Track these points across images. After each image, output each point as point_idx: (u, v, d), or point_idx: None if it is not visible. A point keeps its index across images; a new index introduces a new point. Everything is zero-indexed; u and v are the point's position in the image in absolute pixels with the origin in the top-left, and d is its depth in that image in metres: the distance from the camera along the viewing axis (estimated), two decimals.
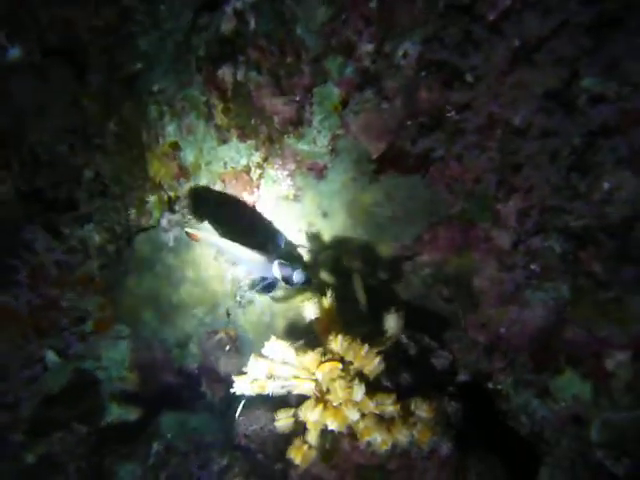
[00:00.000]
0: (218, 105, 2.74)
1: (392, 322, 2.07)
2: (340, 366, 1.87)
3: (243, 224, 2.72)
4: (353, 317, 2.18)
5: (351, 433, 1.90)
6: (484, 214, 2.31)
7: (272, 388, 1.99)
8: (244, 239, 2.34)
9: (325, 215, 2.61)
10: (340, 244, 2.57)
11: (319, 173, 2.60)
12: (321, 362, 1.87)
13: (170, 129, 2.98)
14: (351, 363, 1.90)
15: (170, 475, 2.37)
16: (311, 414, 1.82)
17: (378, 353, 1.89)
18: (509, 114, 2.15)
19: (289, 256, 2.38)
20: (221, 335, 2.95)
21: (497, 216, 2.30)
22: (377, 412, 1.81)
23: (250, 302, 2.86)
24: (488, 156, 2.24)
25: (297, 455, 1.87)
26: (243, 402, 2.23)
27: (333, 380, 1.84)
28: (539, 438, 2.44)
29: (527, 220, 2.24)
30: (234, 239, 2.32)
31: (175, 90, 2.96)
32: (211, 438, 2.41)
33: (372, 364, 1.87)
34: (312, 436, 1.88)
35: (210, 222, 2.83)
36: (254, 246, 2.30)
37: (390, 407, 1.80)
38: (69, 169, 3.25)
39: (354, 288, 2.31)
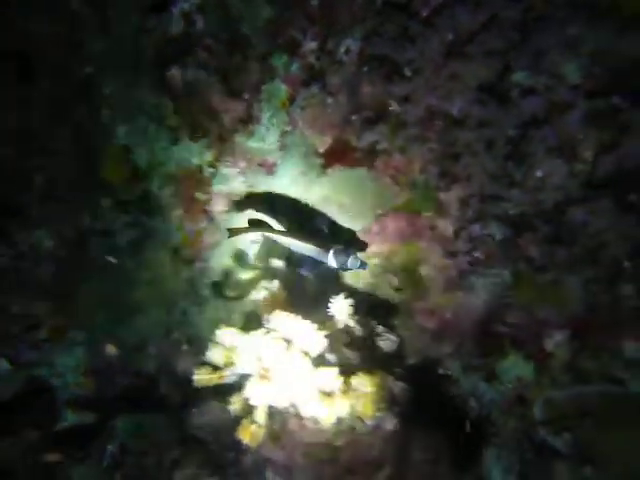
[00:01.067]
0: (168, 106, 2.76)
1: (339, 307, 2.13)
2: (283, 344, 1.91)
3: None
4: (304, 304, 2.23)
5: (298, 413, 1.93)
6: (428, 204, 2.40)
7: (228, 377, 2.03)
8: (299, 231, 2.44)
9: (277, 210, 2.65)
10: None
11: (270, 169, 2.65)
12: (265, 341, 1.91)
13: (122, 131, 2.98)
14: (295, 341, 1.94)
15: (125, 474, 2.34)
16: (255, 390, 1.84)
17: (326, 335, 1.93)
18: (447, 106, 2.25)
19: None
20: (178, 335, 2.94)
21: (440, 205, 2.38)
22: (319, 387, 1.85)
23: (206, 300, 2.87)
24: (429, 147, 2.33)
25: (246, 434, 1.89)
26: None
27: (276, 357, 1.88)
28: (487, 420, 2.51)
29: (468, 208, 2.33)
30: (291, 232, 2.43)
31: (126, 92, 2.97)
32: (167, 435, 2.39)
33: (314, 341, 1.92)
34: (259, 414, 1.90)
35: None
36: (309, 236, 2.41)
37: (332, 381, 1.85)
38: (18, 173, 3.20)
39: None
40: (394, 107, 2.34)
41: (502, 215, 2.32)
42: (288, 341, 1.94)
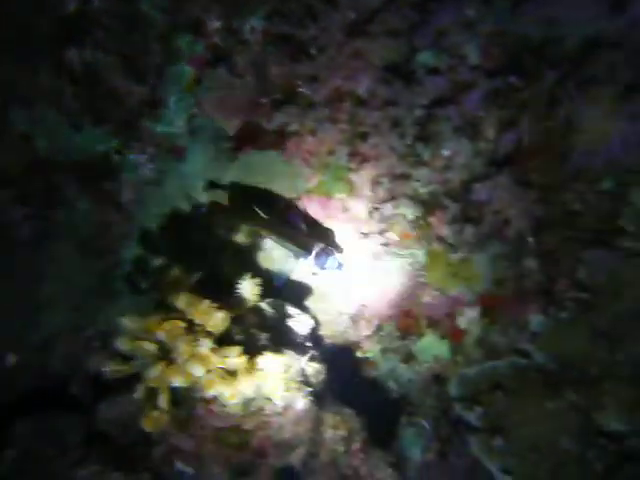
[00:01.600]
0: (68, 90, 2.60)
1: (247, 288, 2.08)
2: (182, 324, 1.83)
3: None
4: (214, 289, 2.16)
5: (205, 397, 1.86)
6: (340, 185, 2.38)
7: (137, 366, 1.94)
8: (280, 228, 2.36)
9: (189, 197, 2.55)
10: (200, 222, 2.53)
11: (180, 155, 2.54)
12: (167, 325, 1.83)
13: (19, 118, 2.78)
14: (198, 322, 1.87)
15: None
16: (152, 372, 1.76)
17: (234, 316, 1.87)
18: (353, 85, 2.23)
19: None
20: (88, 331, 2.78)
21: (352, 186, 2.36)
22: (222, 366, 1.79)
23: (118, 292, 2.74)
24: (339, 128, 2.30)
25: (149, 423, 1.81)
26: None
27: (175, 338, 1.80)
28: (406, 400, 2.53)
29: (379, 188, 2.32)
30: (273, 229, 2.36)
31: (23, 77, 2.77)
32: (73, 435, 2.25)
33: (215, 319, 1.85)
34: (162, 400, 1.82)
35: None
36: (289, 235, 2.35)
37: (235, 360, 1.79)
38: None
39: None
40: (302, 88, 2.30)
41: (412, 194, 2.33)
42: (191, 322, 1.86)
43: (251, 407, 1.86)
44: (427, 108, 2.26)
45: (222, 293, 2.22)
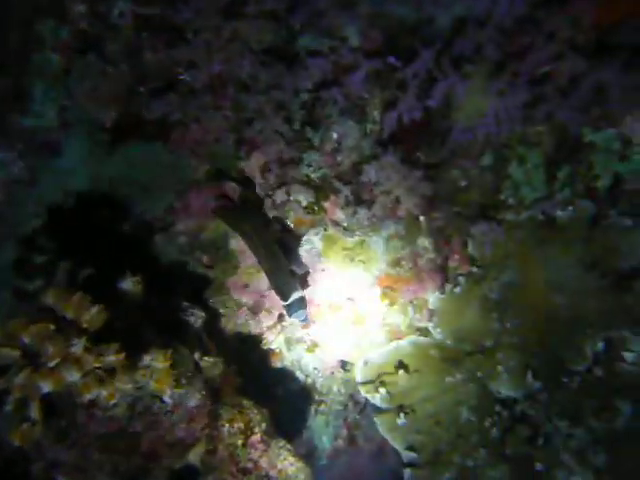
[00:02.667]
0: None
1: (129, 286, 1.96)
2: (50, 325, 1.67)
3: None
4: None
5: (84, 402, 1.71)
6: (230, 174, 2.29)
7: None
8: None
9: (68, 194, 2.36)
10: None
11: (53, 150, 2.35)
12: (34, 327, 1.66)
13: None
14: (71, 321, 1.72)
15: None
16: (17, 379, 1.60)
17: (116, 311, 1.73)
18: (234, 70, 2.15)
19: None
20: None
21: (242, 174, 2.29)
22: (99, 365, 1.66)
23: None
24: (223, 115, 2.22)
25: (18, 436, 1.64)
26: None
27: (44, 340, 1.64)
28: (314, 389, 2.50)
29: (270, 175, 2.26)
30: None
31: None
32: None
33: (90, 314, 1.71)
34: (34, 409, 1.65)
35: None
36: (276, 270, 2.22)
37: (112, 357, 1.67)
38: None
39: None
40: (182, 74, 2.19)
41: (304, 180, 2.29)
42: (64, 321, 1.70)
43: (138, 408, 1.74)
44: (312, 92, 2.22)
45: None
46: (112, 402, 1.65)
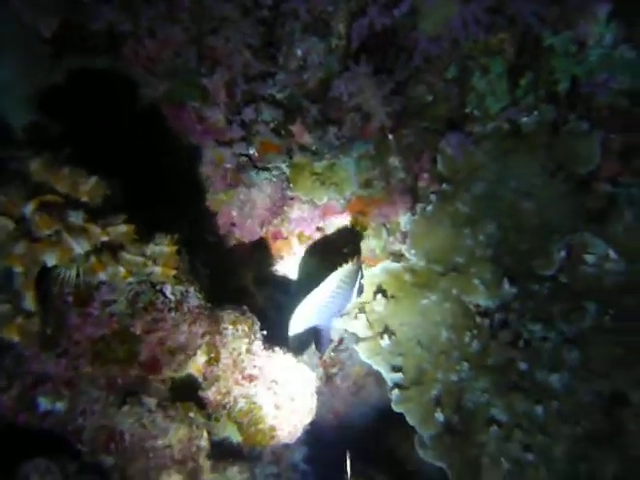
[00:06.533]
0: None
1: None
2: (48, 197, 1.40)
3: None
4: None
5: (78, 299, 1.45)
6: (192, 91, 2.13)
7: None
8: None
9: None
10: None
11: None
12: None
13: None
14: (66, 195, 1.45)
15: None
16: (16, 248, 1.31)
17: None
18: None
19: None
20: None
21: (206, 92, 2.13)
22: (106, 239, 1.42)
23: None
24: (182, 26, 2.06)
25: (12, 332, 1.34)
26: None
27: (38, 210, 1.36)
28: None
29: (236, 91, 2.13)
30: None
31: None
32: None
33: (87, 186, 1.45)
34: (29, 299, 1.37)
35: None
36: None
37: (123, 227, 1.44)
38: None
39: None
40: None
41: (271, 99, 2.18)
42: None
43: (139, 304, 1.51)
44: (272, 9, 2.14)
45: None
46: (128, 280, 1.42)
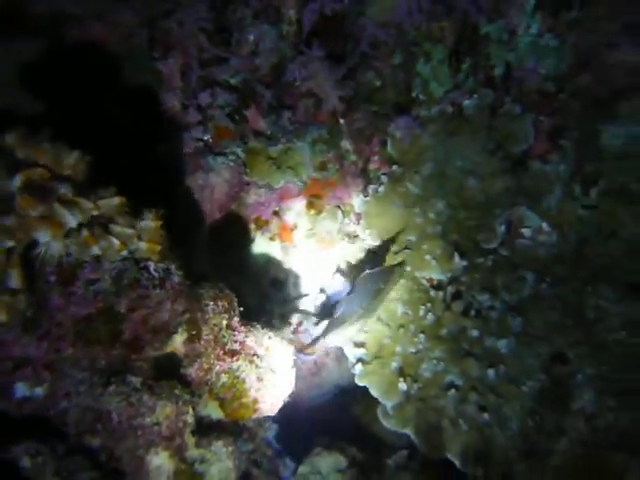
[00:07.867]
0: None
1: None
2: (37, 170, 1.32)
3: None
4: None
5: (61, 278, 1.39)
6: (145, 76, 2.09)
7: None
8: None
9: None
10: None
11: None
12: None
13: None
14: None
15: None
16: (7, 221, 1.23)
17: None
18: None
19: None
20: None
21: (160, 77, 2.11)
22: (97, 212, 1.38)
23: None
24: (132, 8, 2.03)
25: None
26: None
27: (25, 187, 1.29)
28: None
29: (191, 75, 2.12)
30: None
31: None
32: None
33: (69, 160, 1.39)
34: (15, 277, 1.29)
35: None
36: None
37: (115, 199, 1.39)
38: None
39: None
40: None
41: (226, 84, 2.19)
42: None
43: (124, 280, 1.47)
44: None
45: None
46: (122, 253, 1.38)
